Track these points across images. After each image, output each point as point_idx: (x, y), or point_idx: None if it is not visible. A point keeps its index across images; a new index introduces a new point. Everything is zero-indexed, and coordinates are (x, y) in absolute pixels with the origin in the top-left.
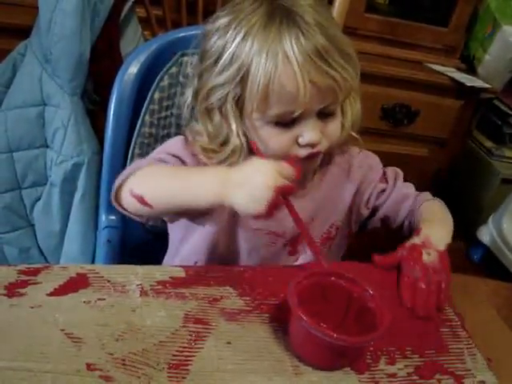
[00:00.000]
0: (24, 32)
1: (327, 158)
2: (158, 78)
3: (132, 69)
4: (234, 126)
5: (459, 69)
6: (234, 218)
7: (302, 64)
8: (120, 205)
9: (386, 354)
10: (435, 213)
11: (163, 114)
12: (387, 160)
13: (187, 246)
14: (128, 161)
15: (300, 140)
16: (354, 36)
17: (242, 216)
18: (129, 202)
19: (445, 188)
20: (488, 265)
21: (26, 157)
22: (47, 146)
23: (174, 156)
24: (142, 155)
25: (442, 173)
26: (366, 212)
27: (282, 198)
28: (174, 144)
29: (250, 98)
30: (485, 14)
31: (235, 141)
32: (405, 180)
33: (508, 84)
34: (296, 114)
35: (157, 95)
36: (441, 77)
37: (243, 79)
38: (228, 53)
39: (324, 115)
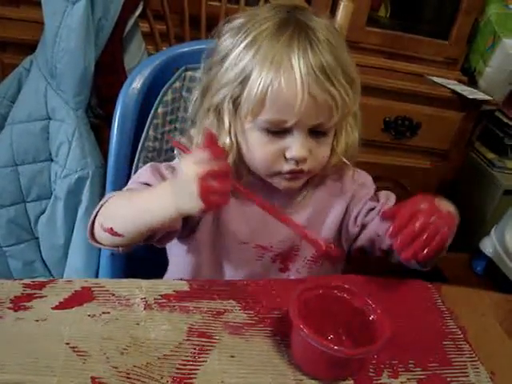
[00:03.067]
0: (30, 47)
1: (317, 180)
2: (162, 92)
3: (136, 83)
4: (226, 125)
5: (460, 81)
6: (217, 232)
7: (304, 75)
8: (96, 241)
9: (388, 367)
10: None
11: (167, 128)
12: (389, 172)
13: (171, 266)
14: (132, 175)
15: (287, 153)
16: (356, 49)
17: (197, 215)
18: (102, 237)
19: (447, 200)
20: (491, 276)
21: (30, 170)
22: (52, 160)
23: (143, 184)
24: None
25: (444, 185)
26: (355, 230)
27: (221, 181)
28: (144, 172)
29: (247, 99)
30: (485, 27)
31: (225, 139)
32: (406, 192)
33: (509, 96)
34: (289, 124)
35: (160, 110)
36: (442, 89)
37: (244, 81)
38: (234, 53)
39: (315, 134)
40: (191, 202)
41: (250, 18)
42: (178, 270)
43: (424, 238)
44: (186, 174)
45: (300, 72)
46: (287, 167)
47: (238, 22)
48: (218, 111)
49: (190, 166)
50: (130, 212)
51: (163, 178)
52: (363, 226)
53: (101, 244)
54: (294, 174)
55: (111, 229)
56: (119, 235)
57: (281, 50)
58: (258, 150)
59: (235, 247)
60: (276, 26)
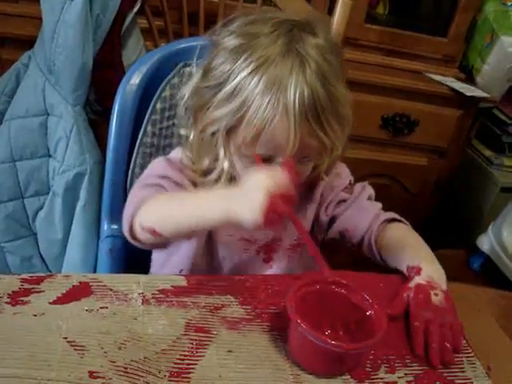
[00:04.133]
0: (28, 43)
1: None
2: (160, 88)
3: (134, 79)
4: (221, 152)
5: (458, 78)
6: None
7: (298, 123)
8: (137, 240)
9: (385, 362)
10: (417, 242)
11: (165, 124)
12: (387, 169)
13: (174, 257)
14: (130, 171)
15: None
16: (354, 46)
17: (247, 228)
18: (143, 236)
19: (444, 197)
20: (488, 273)
21: (28, 166)
22: (50, 156)
23: (163, 177)
24: (144, 165)
25: (442, 182)
26: (325, 219)
27: (284, 205)
28: (159, 165)
29: (242, 134)
30: (483, 25)
31: (220, 165)
32: (404, 189)
33: (507, 93)
34: (278, 160)
35: (159, 105)
36: (440, 86)
37: (241, 115)
38: (233, 83)
39: (301, 158)
40: (251, 214)
41: (247, 39)
42: (176, 264)
43: (451, 340)
44: (258, 186)
45: (294, 119)
46: None
47: (233, 42)
48: (212, 136)
49: (265, 181)
50: (179, 214)
51: (181, 172)
52: (333, 218)
53: (140, 242)
54: None
55: (154, 230)
56: (161, 235)
57: (279, 91)
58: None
59: (224, 239)
60: (277, 58)
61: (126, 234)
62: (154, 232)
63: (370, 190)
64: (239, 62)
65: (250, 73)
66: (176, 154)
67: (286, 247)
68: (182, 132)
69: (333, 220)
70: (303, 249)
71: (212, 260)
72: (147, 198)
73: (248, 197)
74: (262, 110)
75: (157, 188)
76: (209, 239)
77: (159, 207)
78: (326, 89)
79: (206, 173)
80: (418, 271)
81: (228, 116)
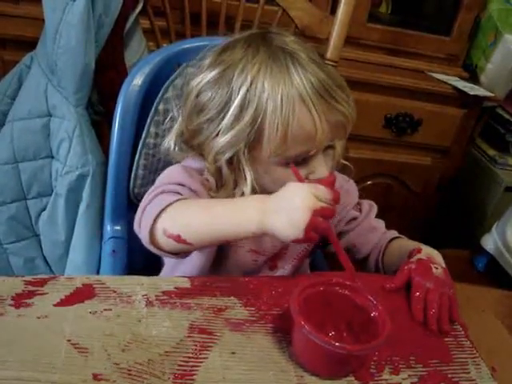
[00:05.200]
0: (30, 44)
1: None
2: (163, 89)
3: (137, 80)
4: (248, 176)
5: (462, 77)
6: None
7: (316, 104)
8: (158, 247)
9: (390, 363)
10: (415, 242)
11: (168, 125)
12: (390, 169)
13: (182, 266)
14: (133, 172)
15: (311, 176)
16: (357, 46)
17: (284, 241)
18: (165, 243)
19: (448, 196)
20: (492, 273)
21: (31, 167)
22: (52, 157)
23: (180, 184)
24: (147, 166)
25: (445, 181)
26: None
27: (325, 222)
28: (175, 172)
29: (268, 142)
30: (487, 24)
31: (247, 190)
32: (407, 188)
33: (511, 92)
34: (311, 152)
35: (161, 106)
36: (443, 86)
37: (260, 125)
38: (238, 100)
39: (326, 149)
40: (292, 229)
41: (225, 65)
42: (185, 271)
43: (447, 310)
44: (301, 202)
45: (312, 103)
46: None
47: (214, 72)
48: (231, 163)
49: (309, 198)
50: (208, 222)
51: (200, 181)
52: (341, 233)
53: (161, 249)
54: None
55: (178, 236)
56: (187, 243)
57: (286, 86)
58: (284, 183)
59: (233, 250)
60: (268, 62)
61: (145, 240)
62: (178, 239)
63: (375, 208)
64: (234, 80)
65: (251, 83)
66: (190, 163)
67: (292, 256)
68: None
69: (341, 235)
70: (306, 257)
71: (219, 270)
72: (169, 205)
73: (288, 212)
74: (279, 108)
75: (176, 195)
76: (219, 249)
77: (185, 214)
78: (322, 70)
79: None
80: (419, 251)
81: (245, 131)
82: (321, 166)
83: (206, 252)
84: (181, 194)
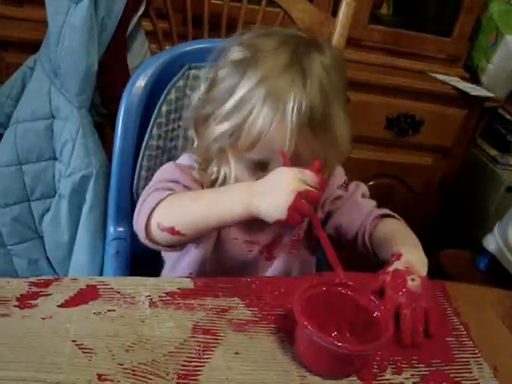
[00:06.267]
0: (33, 46)
1: None
2: (166, 91)
3: (139, 82)
4: (233, 166)
5: (463, 78)
6: (219, 232)
7: (294, 130)
8: (153, 242)
9: (392, 363)
10: (405, 233)
11: (170, 126)
12: (392, 169)
13: (184, 261)
14: (136, 173)
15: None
16: (358, 47)
17: (270, 223)
18: (159, 236)
19: (450, 197)
20: (494, 273)
21: (34, 169)
22: (56, 159)
23: (173, 181)
24: (150, 167)
25: (447, 181)
26: (321, 216)
27: (308, 205)
28: (169, 170)
29: (244, 138)
30: (488, 24)
31: (228, 173)
32: (409, 189)
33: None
34: (273, 163)
35: (164, 108)
36: (445, 86)
37: (244, 125)
38: (236, 97)
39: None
40: (275, 210)
41: (253, 51)
42: (186, 267)
43: (422, 325)
44: (286, 184)
45: (291, 126)
46: None
47: (239, 54)
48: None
49: (295, 180)
50: (199, 211)
51: (189, 175)
52: (329, 214)
53: (157, 243)
54: None
55: (172, 228)
56: (181, 234)
57: (280, 100)
58: (246, 178)
59: (230, 242)
60: (280, 69)
61: (142, 236)
62: (173, 231)
63: (364, 188)
64: (243, 77)
65: (253, 87)
66: (182, 160)
67: (286, 243)
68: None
69: (328, 216)
70: (301, 244)
71: (218, 262)
72: (161, 200)
73: (274, 194)
74: (261, 117)
75: (168, 191)
76: (217, 242)
77: (177, 206)
78: (323, 105)
79: (214, 181)
80: (399, 257)
81: (230, 130)
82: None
83: (203, 247)
84: (174, 190)
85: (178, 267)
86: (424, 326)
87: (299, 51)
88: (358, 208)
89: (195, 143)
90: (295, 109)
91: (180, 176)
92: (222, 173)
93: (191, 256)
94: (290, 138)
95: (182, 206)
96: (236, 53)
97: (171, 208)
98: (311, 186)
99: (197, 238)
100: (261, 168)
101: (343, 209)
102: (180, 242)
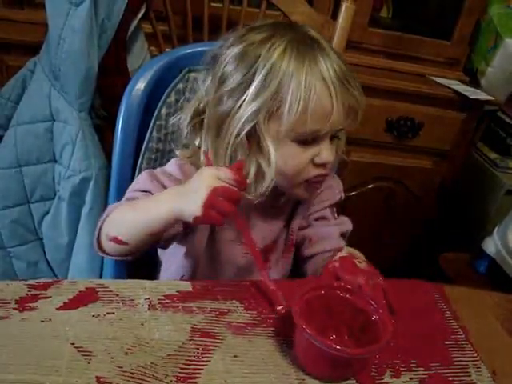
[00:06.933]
0: (34, 49)
1: None
2: (165, 94)
3: (139, 85)
4: (271, 146)
5: (462, 81)
6: (211, 231)
7: (336, 87)
8: (103, 252)
9: (391, 366)
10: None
11: (170, 129)
12: (391, 172)
13: (175, 263)
14: (135, 176)
15: (316, 159)
16: (358, 50)
17: (191, 223)
18: (108, 247)
19: (449, 200)
20: (493, 276)
21: (34, 171)
22: (55, 161)
23: (142, 191)
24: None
25: (447, 185)
26: (303, 223)
27: (225, 202)
28: (141, 179)
29: (288, 114)
30: (487, 28)
31: (270, 164)
32: (408, 192)
33: (511, 96)
34: (322, 132)
35: (164, 111)
36: (444, 89)
37: (282, 96)
38: (264, 71)
39: (332, 138)
40: (192, 207)
41: (254, 42)
42: (177, 268)
43: (383, 300)
44: (202, 181)
45: (332, 84)
46: (315, 172)
47: (240, 47)
48: (246, 137)
49: (210, 177)
50: (134, 218)
51: (161, 184)
52: (305, 227)
53: (107, 254)
54: (319, 178)
55: (116, 238)
56: (124, 243)
57: (310, 66)
58: (292, 159)
59: (225, 244)
60: (294, 43)
61: (95, 247)
62: (116, 240)
63: (349, 226)
64: (262, 55)
65: (278, 59)
66: (169, 166)
67: (281, 248)
68: (178, 153)
69: (304, 228)
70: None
71: (213, 265)
72: (112, 210)
73: (191, 192)
74: (302, 83)
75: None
76: (210, 244)
77: (120, 215)
78: (340, 59)
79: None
80: (339, 249)
81: (267, 103)
82: (326, 150)
83: (194, 250)
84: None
85: (170, 269)
86: (386, 302)
87: (293, 28)
88: (334, 239)
89: (209, 148)
90: (330, 69)
91: (151, 186)
92: (252, 169)
93: (180, 257)
94: (335, 94)
95: (122, 215)
96: (235, 49)
97: (115, 218)
98: (228, 183)
99: (143, 246)
100: (312, 143)
101: (323, 230)
102: (128, 252)
